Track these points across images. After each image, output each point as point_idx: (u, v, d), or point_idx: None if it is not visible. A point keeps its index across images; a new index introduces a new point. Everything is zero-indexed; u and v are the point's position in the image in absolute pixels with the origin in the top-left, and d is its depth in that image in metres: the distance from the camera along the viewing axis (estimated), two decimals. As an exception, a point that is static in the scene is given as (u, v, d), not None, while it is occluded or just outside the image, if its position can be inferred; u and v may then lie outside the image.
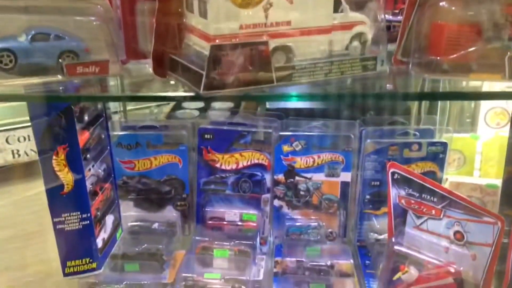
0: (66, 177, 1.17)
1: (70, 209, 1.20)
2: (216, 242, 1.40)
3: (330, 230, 1.54)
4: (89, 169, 1.24)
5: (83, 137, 1.19)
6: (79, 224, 1.22)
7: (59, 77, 0.96)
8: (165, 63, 1.01)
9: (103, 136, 1.32)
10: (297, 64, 1.00)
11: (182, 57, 1.00)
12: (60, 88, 0.98)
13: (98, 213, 1.28)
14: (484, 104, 1.97)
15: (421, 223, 1.23)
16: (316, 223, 1.54)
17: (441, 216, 1.19)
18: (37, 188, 1.61)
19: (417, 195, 1.22)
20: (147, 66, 1.02)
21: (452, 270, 1.12)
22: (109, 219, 1.36)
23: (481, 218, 1.12)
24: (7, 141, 3.75)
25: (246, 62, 0.94)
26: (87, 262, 1.25)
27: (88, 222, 1.22)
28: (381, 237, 1.49)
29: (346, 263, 1.40)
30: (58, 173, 1.16)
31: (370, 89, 1.10)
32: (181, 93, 1.02)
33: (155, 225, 1.56)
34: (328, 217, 1.55)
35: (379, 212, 1.52)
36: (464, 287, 1.15)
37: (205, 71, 0.91)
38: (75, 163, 1.16)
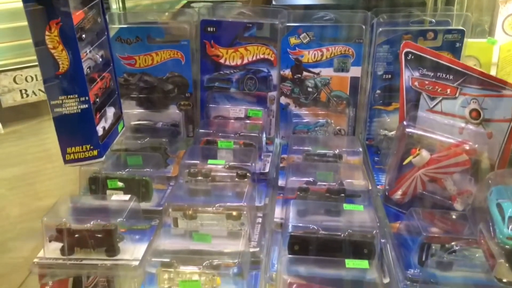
0: (61, 55, 1.11)
1: (67, 91, 1.15)
2: (220, 134, 1.35)
3: (338, 127, 1.49)
4: (85, 52, 1.18)
5: (77, 15, 1.13)
6: (77, 108, 1.17)
7: None
8: None
9: (99, 20, 1.25)
10: None
11: None
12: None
13: (97, 100, 1.23)
14: (502, 11, 1.87)
15: (435, 105, 1.17)
16: (324, 120, 1.48)
17: (457, 95, 1.13)
18: (47, 128, 1.57)
19: (432, 74, 1.15)
20: None
21: (467, 147, 1.06)
22: (110, 111, 1.31)
23: (500, 92, 1.05)
24: (14, 80, 3.71)
25: None
26: (88, 149, 1.21)
27: (86, 106, 1.17)
28: (391, 133, 1.43)
29: (354, 157, 1.35)
30: (52, 51, 1.10)
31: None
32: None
33: (159, 125, 1.52)
34: (337, 115, 1.50)
35: (389, 108, 1.46)
36: (479, 167, 1.10)
37: None
38: (69, 40, 1.10)
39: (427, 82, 1.16)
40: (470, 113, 1.11)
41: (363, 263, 0.91)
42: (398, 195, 1.19)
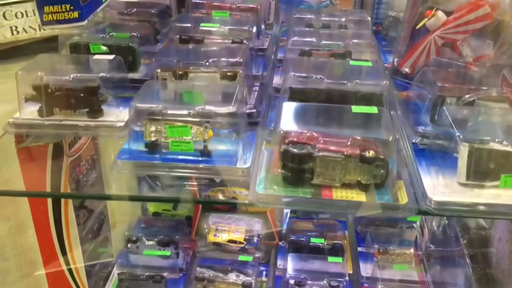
0: None
1: None
2: (215, 4, 1.23)
3: (344, 8, 1.38)
4: None
5: None
6: (54, -40, 1.05)
7: None
8: None
9: None
10: None
11: None
12: None
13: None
14: None
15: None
16: (328, 1, 1.36)
17: None
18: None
19: None
20: None
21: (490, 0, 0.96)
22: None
23: None
24: (4, 16, 3.52)
25: None
26: (67, 9, 1.09)
27: (65, -43, 1.05)
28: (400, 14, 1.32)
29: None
30: None
31: None
32: None
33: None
34: (343, -4, 1.38)
35: (399, -13, 1.34)
36: (500, 26, 0.99)
37: None
38: None
39: None
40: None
41: (372, 109, 0.82)
42: (408, 66, 1.09)
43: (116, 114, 1.00)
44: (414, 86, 1.00)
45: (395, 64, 1.11)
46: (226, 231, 1.56)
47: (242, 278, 1.43)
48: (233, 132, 0.91)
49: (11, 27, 3.56)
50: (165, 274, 1.47)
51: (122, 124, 0.97)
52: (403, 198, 0.76)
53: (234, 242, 1.54)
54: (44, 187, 1.04)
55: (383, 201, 0.76)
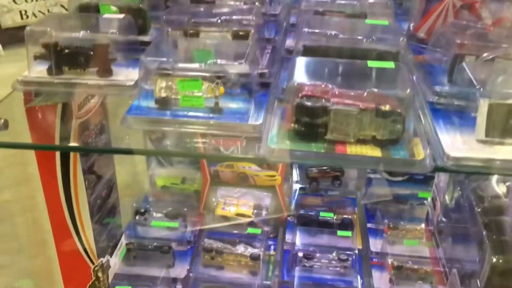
0: None
1: None
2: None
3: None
4: None
5: None
6: None
7: None
8: None
9: None
10: None
11: None
12: None
13: None
14: None
15: None
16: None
17: None
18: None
19: None
20: None
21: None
22: None
23: None
24: (14, 1, 3.51)
25: None
26: (78, -31, 1.08)
27: None
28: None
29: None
30: None
31: None
32: None
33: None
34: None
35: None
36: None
37: None
38: None
39: None
40: None
41: (389, 63, 0.79)
42: (423, 30, 1.06)
43: (126, 74, 0.98)
44: (430, 49, 0.97)
45: (411, 29, 1.08)
46: (234, 204, 1.55)
47: (250, 250, 1.42)
48: (245, 91, 0.90)
49: (20, 12, 3.55)
50: (172, 245, 1.46)
51: (131, 83, 0.95)
52: (420, 154, 0.74)
53: (242, 215, 1.53)
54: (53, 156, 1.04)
55: (399, 156, 0.74)
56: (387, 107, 0.73)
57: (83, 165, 1.11)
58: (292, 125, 0.76)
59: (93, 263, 1.20)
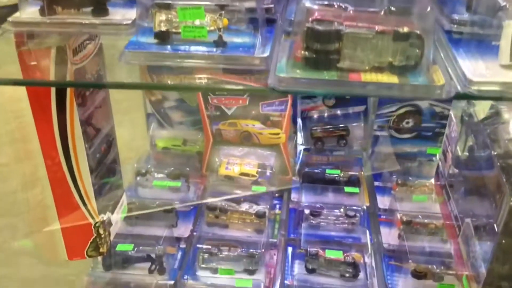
0: None
1: None
2: None
3: None
4: None
5: None
6: None
7: None
8: None
9: None
10: None
11: None
12: None
13: None
14: None
15: None
16: None
17: None
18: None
19: None
20: None
21: None
22: None
23: None
24: None
25: None
26: None
27: None
28: None
29: None
30: None
31: None
32: None
33: None
34: None
35: None
36: None
37: None
38: None
39: None
40: None
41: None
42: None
43: (123, 13, 0.92)
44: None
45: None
46: (238, 164, 1.51)
47: (256, 207, 1.38)
48: (250, 26, 0.84)
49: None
50: (175, 205, 1.42)
51: (129, 21, 0.89)
52: (440, 80, 0.69)
53: (246, 175, 1.49)
54: (48, 94, 0.98)
55: (418, 82, 0.69)
56: (405, 29, 0.68)
57: (81, 115, 1.06)
58: (302, 52, 0.71)
59: (94, 220, 1.16)
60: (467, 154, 1.16)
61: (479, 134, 1.08)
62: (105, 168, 1.21)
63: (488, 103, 1.11)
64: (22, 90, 0.97)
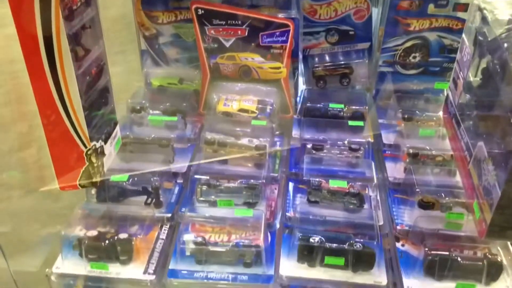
0: None
1: None
2: None
3: None
4: None
5: None
6: None
7: None
8: None
9: None
10: None
11: None
12: None
13: None
14: None
15: None
16: None
17: None
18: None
19: None
20: None
21: None
22: None
23: None
24: None
25: None
26: None
27: None
28: None
29: None
30: None
31: None
32: None
33: None
34: None
35: None
36: None
37: None
38: None
39: None
40: None
41: None
42: None
43: None
44: None
45: None
46: (237, 100, 1.44)
47: (256, 141, 1.32)
48: None
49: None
50: (172, 142, 1.36)
51: None
52: None
53: (246, 111, 1.43)
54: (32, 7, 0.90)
55: None
56: None
57: (68, 30, 0.98)
58: None
59: (86, 147, 1.09)
60: (481, 74, 1.09)
61: (496, 51, 1.01)
62: (97, 94, 1.14)
63: (505, 20, 1.03)
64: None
